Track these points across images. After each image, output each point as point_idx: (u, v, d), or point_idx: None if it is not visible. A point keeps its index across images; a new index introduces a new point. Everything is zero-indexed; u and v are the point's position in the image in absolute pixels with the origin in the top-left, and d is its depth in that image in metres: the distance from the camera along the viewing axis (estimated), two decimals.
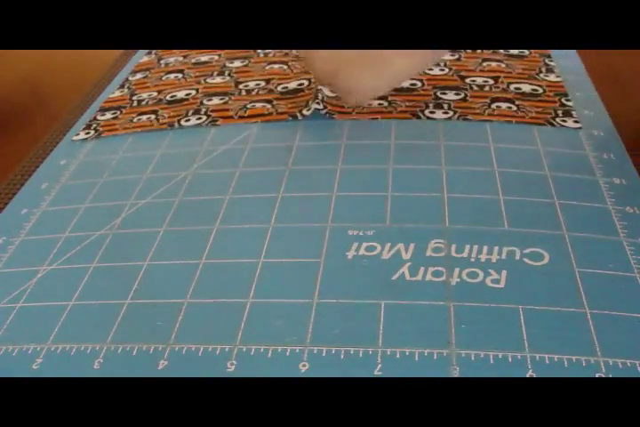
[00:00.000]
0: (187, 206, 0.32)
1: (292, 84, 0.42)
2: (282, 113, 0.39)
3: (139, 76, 0.47)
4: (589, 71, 0.41)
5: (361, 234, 0.29)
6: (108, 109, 0.43)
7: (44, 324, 0.27)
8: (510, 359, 0.23)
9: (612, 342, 0.23)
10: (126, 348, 0.25)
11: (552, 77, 0.41)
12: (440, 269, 0.27)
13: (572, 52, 0.43)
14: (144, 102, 0.43)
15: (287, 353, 0.24)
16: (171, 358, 0.24)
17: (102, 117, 0.42)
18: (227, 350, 0.24)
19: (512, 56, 0.44)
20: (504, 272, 0.26)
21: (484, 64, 0.43)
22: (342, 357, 0.23)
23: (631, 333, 0.24)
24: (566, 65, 0.42)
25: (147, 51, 0.50)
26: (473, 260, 0.27)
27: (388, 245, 0.28)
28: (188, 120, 0.40)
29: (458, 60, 0.44)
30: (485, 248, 0.28)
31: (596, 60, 0.43)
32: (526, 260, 0.27)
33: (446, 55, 0.44)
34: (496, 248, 0.28)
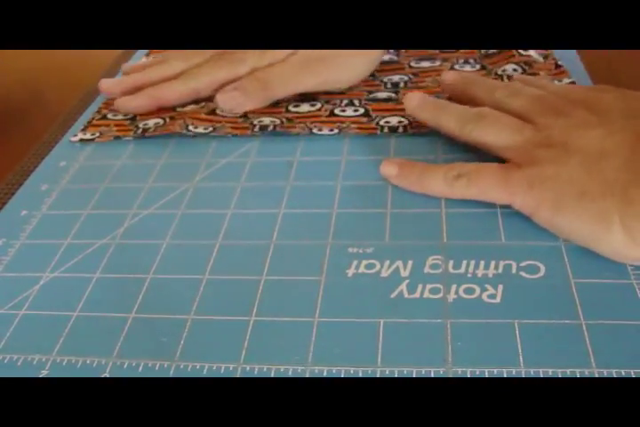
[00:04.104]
0: (189, 220, 0.33)
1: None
2: (291, 127, 0.39)
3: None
4: (589, 71, 0.41)
5: (360, 251, 0.29)
6: (109, 110, 0.43)
7: (49, 334, 0.27)
8: (505, 375, 0.24)
9: (606, 352, 0.24)
10: (132, 363, 0.26)
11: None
12: (437, 286, 0.27)
13: (572, 52, 0.43)
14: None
15: (289, 373, 0.24)
16: (176, 375, 0.25)
17: (101, 118, 0.42)
18: (231, 369, 0.25)
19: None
20: (500, 287, 0.27)
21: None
22: (342, 376, 0.24)
23: (626, 341, 0.24)
24: (566, 65, 0.42)
25: (146, 51, 0.49)
26: (470, 275, 0.28)
27: (387, 262, 0.29)
28: (196, 127, 0.40)
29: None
30: (482, 263, 0.28)
31: (596, 60, 0.42)
32: (522, 273, 0.27)
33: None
34: (492, 262, 0.28)
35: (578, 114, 0.30)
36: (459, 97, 0.37)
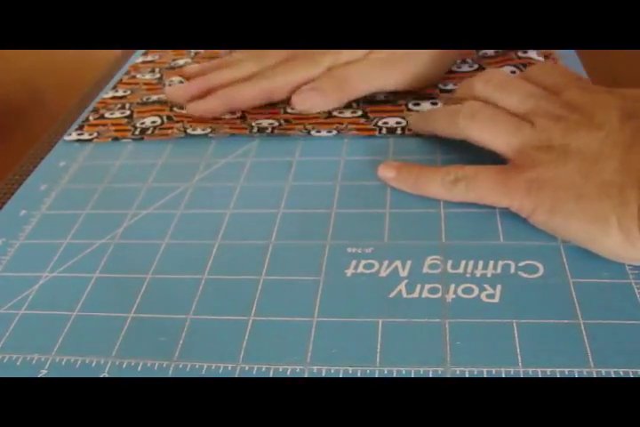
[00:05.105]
0: (189, 219, 0.33)
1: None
2: (288, 129, 0.39)
3: (148, 76, 0.47)
4: (589, 71, 0.41)
5: (359, 251, 0.29)
6: (106, 109, 0.43)
7: (48, 333, 0.27)
8: (504, 375, 0.24)
9: (605, 351, 0.24)
10: (131, 363, 0.26)
11: None
12: (436, 285, 0.27)
13: (572, 52, 0.43)
14: (149, 102, 0.43)
15: (288, 372, 0.25)
16: (175, 375, 0.25)
17: (99, 118, 0.42)
18: (230, 368, 0.25)
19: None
20: (499, 287, 0.27)
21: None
22: (341, 376, 0.24)
23: (625, 340, 0.24)
24: (566, 65, 0.42)
25: (144, 51, 0.50)
26: (468, 275, 0.28)
27: (386, 262, 0.29)
28: (195, 129, 0.40)
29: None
30: (481, 263, 0.28)
31: (596, 60, 0.42)
32: (521, 273, 0.28)
33: None
34: (491, 262, 0.28)
35: (575, 118, 0.30)
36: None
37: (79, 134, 0.41)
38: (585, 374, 0.23)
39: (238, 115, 0.41)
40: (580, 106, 0.30)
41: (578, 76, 0.34)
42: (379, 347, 0.25)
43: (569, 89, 0.31)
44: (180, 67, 0.47)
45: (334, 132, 0.38)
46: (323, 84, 0.39)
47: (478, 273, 0.28)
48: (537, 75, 0.34)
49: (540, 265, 0.28)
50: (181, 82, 0.45)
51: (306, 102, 0.39)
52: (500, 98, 0.32)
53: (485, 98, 0.33)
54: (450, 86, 0.41)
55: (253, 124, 0.39)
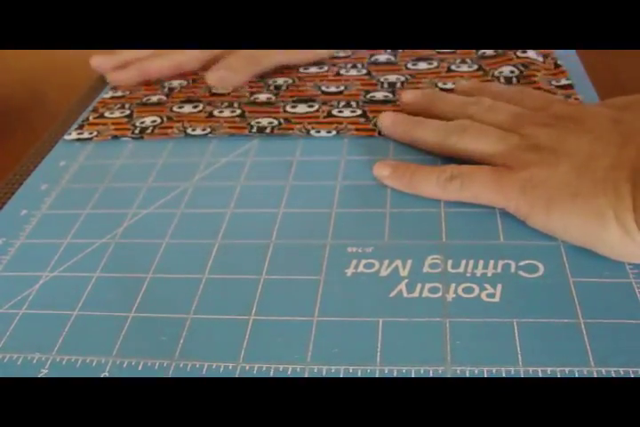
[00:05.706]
0: (189, 219, 0.33)
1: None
2: (288, 128, 0.39)
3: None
4: (589, 71, 0.41)
5: (360, 251, 0.29)
6: (106, 109, 0.43)
7: (49, 333, 0.27)
8: (504, 374, 0.24)
9: (605, 350, 0.24)
10: (132, 362, 0.26)
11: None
12: (437, 285, 0.27)
13: (572, 52, 0.43)
14: (149, 103, 0.43)
15: (289, 372, 0.25)
16: (176, 374, 0.25)
17: (98, 117, 0.42)
18: (230, 368, 0.25)
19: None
20: (499, 286, 0.27)
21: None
22: (341, 375, 0.24)
23: (625, 340, 0.24)
24: (566, 65, 0.42)
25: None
26: (469, 275, 0.28)
27: (386, 262, 0.29)
28: (194, 130, 0.40)
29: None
30: (481, 262, 0.28)
31: (596, 60, 0.42)
32: (521, 272, 0.28)
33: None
34: (491, 262, 0.28)
35: (564, 125, 0.30)
36: (421, 115, 0.36)
37: (79, 133, 0.41)
38: (585, 374, 0.23)
39: (238, 113, 0.41)
40: (569, 115, 0.31)
41: (560, 98, 0.35)
42: (379, 346, 0.25)
43: (555, 104, 0.32)
44: None
45: (334, 132, 0.38)
46: (231, 62, 0.44)
47: (479, 273, 0.28)
48: (520, 99, 0.34)
49: (540, 265, 0.28)
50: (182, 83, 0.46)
51: (219, 79, 0.43)
52: (491, 118, 0.33)
53: (477, 118, 0.33)
54: (449, 85, 0.41)
55: (253, 123, 0.39)
